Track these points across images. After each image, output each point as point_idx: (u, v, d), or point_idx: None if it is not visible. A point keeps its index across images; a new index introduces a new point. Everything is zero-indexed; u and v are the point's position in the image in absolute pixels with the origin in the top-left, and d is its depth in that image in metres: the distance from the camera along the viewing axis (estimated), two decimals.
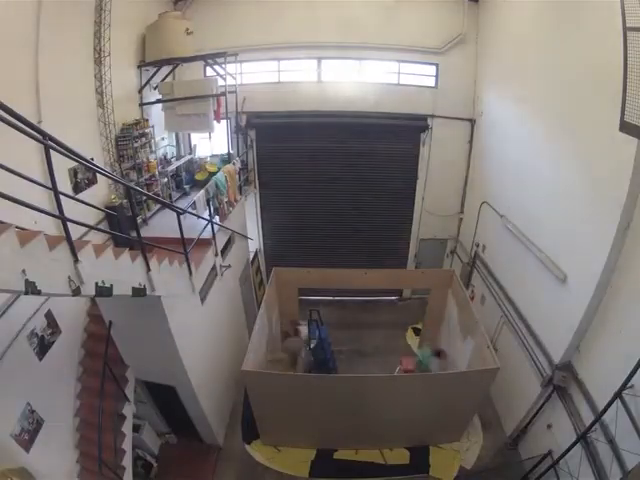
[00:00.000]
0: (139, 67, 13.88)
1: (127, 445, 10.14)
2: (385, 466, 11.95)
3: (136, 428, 11.26)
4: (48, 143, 4.89)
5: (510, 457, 11.95)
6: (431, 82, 16.85)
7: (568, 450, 9.01)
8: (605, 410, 8.01)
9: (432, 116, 17.01)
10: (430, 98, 16.82)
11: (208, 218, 11.12)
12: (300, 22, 15.56)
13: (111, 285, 6.18)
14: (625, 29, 6.29)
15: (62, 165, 8.84)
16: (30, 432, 8.00)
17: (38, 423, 8.20)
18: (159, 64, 14.04)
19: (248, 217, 16.53)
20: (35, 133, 4.71)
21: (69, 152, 5.37)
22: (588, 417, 8.95)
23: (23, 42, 8.91)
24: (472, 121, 16.82)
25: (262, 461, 12.12)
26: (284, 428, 11.94)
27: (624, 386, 7.48)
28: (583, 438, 8.73)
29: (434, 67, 16.56)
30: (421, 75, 16.82)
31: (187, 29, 13.73)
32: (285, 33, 15.68)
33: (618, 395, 7.60)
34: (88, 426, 9.51)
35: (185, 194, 15.46)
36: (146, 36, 13.77)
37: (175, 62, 14.29)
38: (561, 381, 9.94)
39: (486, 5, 14.91)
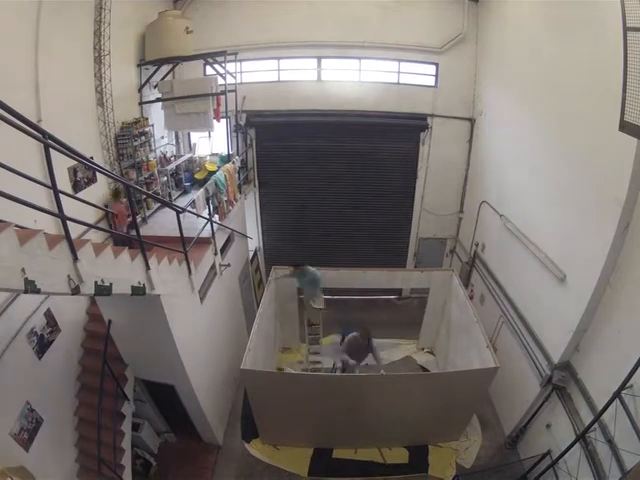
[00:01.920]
0: (139, 66, 13.86)
1: (126, 444, 10.17)
2: (384, 465, 11.96)
3: (135, 427, 11.28)
4: (48, 142, 4.90)
5: (509, 456, 11.97)
6: (431, 81, 16.85)
7: (567, 450, 9.02)
8: (604, 410, 8.01)
9: (432, 115, 17.03)
10: (430, 97, 16.83)
11: (207, 217, 11.14)
12: (300, 21, 15.58)
13: (110, 284, 6.21)
14: (625, 29, 6.29)
15: (62, 164, 8.82)
16: (29, 431, 8.02)
17: (37, 422, 8.22)
18: (159, 63, 14.02)
19: (247, 216, 16.52)
20: (35, 132, 4.72)
21: (69, 151, 5.38)
22: (587, 417, 8.97)
23: (23, 41, 8.90)
24: (472, 120, 16.83)
25: (262, 458, 12.13)
26: (283, 427, 11.94)
27: (623, 386, 7.49)
28: (582, 438, 8.73)
29: (434, 67, 16.56)
30: (421, 74, 16.83)
31: (187, 28, 13.71)
32: (285, 32, 15.69)
33: (617, 395, 7.60)
34: (87, 425, 9.54)
35: (185, 192, 15.49)
36: (146, 35, 13.75)
37: (175, 61, 14.30)
38: (560, 381, 9.95)
39: (486, 5, 14.91)
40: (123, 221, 11.21)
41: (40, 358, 8.61)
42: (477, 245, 16.14)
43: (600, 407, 8.22)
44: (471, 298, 14.39)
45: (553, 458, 9.77)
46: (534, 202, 11.70)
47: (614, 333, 8.52)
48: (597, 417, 8.29)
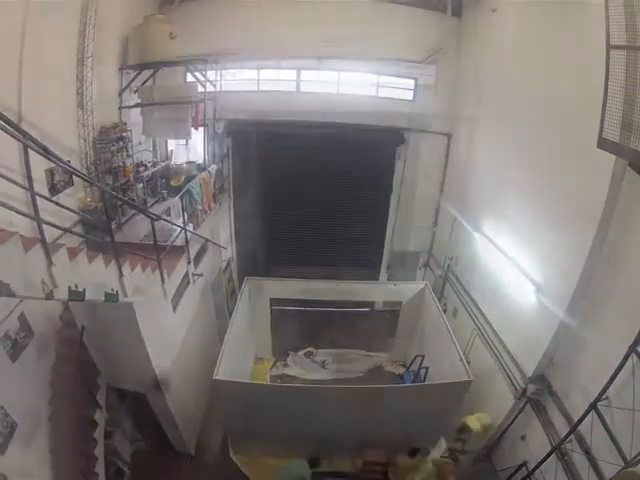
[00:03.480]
0: (120, 69, 13.75)
1: (99, 452, 10.03)
2: (359, 477, 11.92)
3: (108, 435, 11.13)
4: (27, 142, 4.85)
5: (484, 468, 11.99)
6: (409, 95, 17.03)
7: (543, 461, 9.11)
8: (580, 422, 8.14)
9: (409, 129, 17.14)
10: (407, 111, 16.95)
11: (181, 225, 11.09)
12: (281, 32, 15.48)
13: (84, 290, 6.18)
14: (608, 46, 6.38)
15: (39, 165, 8.74)
16: (4, 435, 7.87)
17: (12, 427, 8.08)
18: (140, 67, 13.91)
19: (222, 225, 16.53)
20: (15, 132, 4.67)
21: (47, 153, 5.34)
22: (563, 428, 9.06)
23: (10, 40, 8.82)
24: (449, 135, 16.95)
25: (242, 468, 11.99)
26: (256, 438, 11.83)
27: (599, 398, 7.60)
28: (558, 449, 8.82)
29: (413, 81, 16.72)
30: (400, 88, 16.97)
31: (170, 33, 13.64)
32: (266, 43, 15.58)
33: (593, 407, 7.72)
34: (61, 431, 9.40)
35: (163, 199, 15.34)
36: (129, 38, 13.65)
37: (156, 66, 14.17)
38: (535, 394, 10.06)
39: (468, 21, 15.09)
40: None
41: (14, 362, 8.49)
42: (451, 259, 16.23)
43: (576, 418, 8.33)
44: (444, 311, 14.43)
45: (529, 469, 9.83)
46: (509, 216, 11.84)
47: (589, 346, 8.67)
48: (573, 429, 8.40)
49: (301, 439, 11.59)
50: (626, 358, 7.15)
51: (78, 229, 10.70)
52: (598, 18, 6.61)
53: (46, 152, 5.33)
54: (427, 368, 13.42)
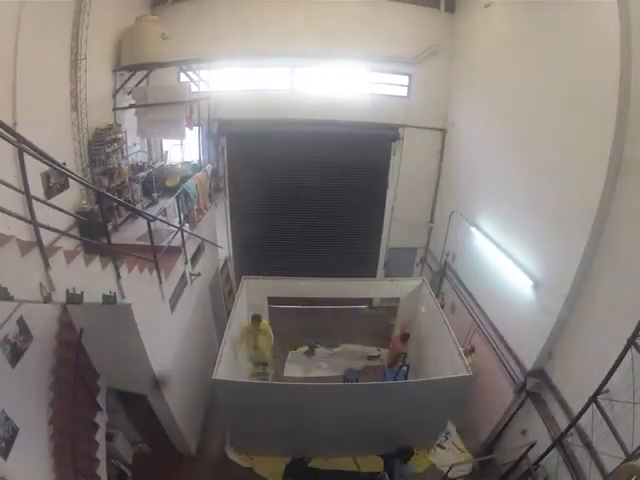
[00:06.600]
0: (114, 71, 13.72)
1: (101, 454, 10.00)
2: (359, 474, 11.92)
3: (109, 437, 11.09)
4: (22, 146, 4.82)
5: (485, 463, 11.99)
6: (403, 92, 17.05)
7: (544, 455, 9.14)
8: (580, 415, 8.15)
9: (404, 126, 17.14)
10: (402, 108, 16.99)
11: (178, 226, 11.08)
12: (275, 31, 15.51)
13: (82, 292, 6.13)
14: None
15: (35, 169, 8.70)
16: (6, 440, 7.84)
17: (14, 431, 8.05)
18: (134, 68, 13.88)
19: (218, 225, 16.47)
20: (10, 136, 4.64)
21: (43, 156, 5.31)
22: (563, 422, 9.07)
23: (4, 42, 8.77)
24: (443, 131, 17.00)
25: (242, 464, 12.05)
26: (256, 436, 11.82)
27: (599, 391, 7.62)
28: (559, 443, 8.83)
29: (407, 77, 16.73)
30: (394, 85, 17.00)
31: (163, 34, 13.64)
32: (259, 42, 15.55)
33: (593, 400, 7.72)
34: (62, 435, 9.37)
35: (154, 203, 15.25)
36: (122, 40, 13.63)
37: (150, 67, 14.16)
38: (534, 387, 10.06)
39: (462, 17, 15.14)
40: None
41: (13, 366, 8.45)
42: (448, 254, 16.25)
43: (576, 412, 8.34)
44: (442, 307, 14.42)
45: (531, 463, 9.82)
46: (505, 212, 11.88)
47: (587, 339, 8.68)
48: (573, 422, 8.41)
49: (301, 437, 11.61)
50: (625, 351, 7.17)
51: (75, 232, 10.69)
52: (591, 10, 6.64)
53: (41, 155, 5.30)
54: (408, 366, 13.41)
